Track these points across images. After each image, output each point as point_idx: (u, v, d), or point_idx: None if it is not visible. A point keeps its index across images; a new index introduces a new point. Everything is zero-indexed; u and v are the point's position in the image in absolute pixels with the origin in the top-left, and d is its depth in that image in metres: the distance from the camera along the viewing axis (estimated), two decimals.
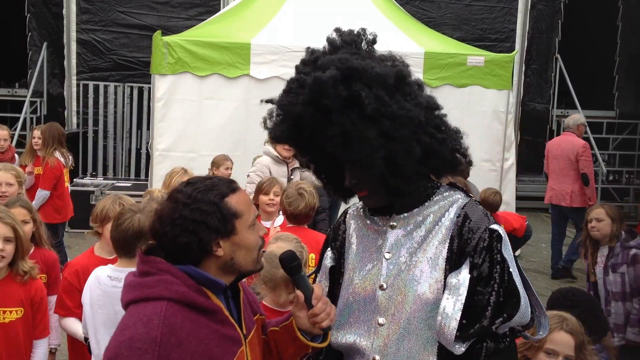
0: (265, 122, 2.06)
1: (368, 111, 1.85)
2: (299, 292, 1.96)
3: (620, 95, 12.96)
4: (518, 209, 8.76)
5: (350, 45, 2.01)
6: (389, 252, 2.04)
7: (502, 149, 8.45)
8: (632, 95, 12.77)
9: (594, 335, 3.14)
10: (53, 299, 3.52)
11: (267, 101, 2.07)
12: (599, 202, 5.27)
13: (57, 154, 6.77)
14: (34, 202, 6.29)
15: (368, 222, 2.13)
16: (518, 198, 9.79)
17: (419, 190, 2.04)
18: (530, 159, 12.50)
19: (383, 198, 2.03)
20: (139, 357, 1.66)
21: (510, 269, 1.92)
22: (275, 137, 2.04)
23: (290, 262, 1.98)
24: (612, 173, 12.86)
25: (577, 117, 8.56)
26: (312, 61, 1.98)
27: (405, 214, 2.04)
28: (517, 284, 1.91)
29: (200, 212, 1.76)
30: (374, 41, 2.05)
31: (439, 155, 1.98)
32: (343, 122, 1.86)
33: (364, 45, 2.03)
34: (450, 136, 2.03)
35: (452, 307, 1.89)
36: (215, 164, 6.64)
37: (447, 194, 2.07)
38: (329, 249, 2.24)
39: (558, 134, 12.57)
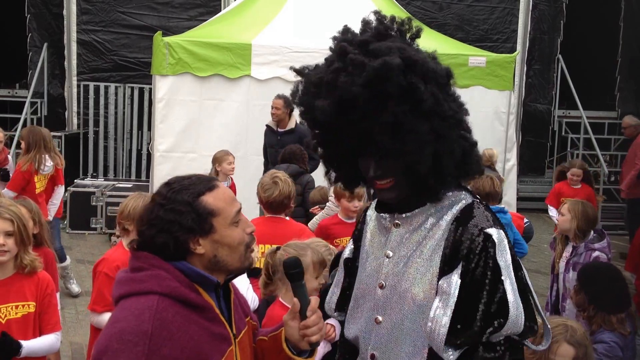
0: (294, 96, 2.00)
1: (425, 107, 1.82)
2: (295, 300, 1.94)
3: (621, 96, 12.93)
4: (519, 210, 8.74)
5: (401, 36, 1.98)
6: (390, 251, 2.04)
7: (503, 150, 8.44)
8: (634, 95, 12.74)
9: (621, 307, 3.52)
10: None
11: (296, 72, 2.01)
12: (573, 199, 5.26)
13: (44, 158, 6.32)
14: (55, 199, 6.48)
15: (380, 218, 2.11)
16: (519, 199, 9.78)
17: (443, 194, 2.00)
18: (531, 159, 12.48)
19: (405, 190, 1.98)
20: (130, 349, 1.65)
21: (502, 277, 1.87)
22: (319, 111, 1.87)
23: (292, 267, 1.97)
24: (614, 174, 12.82)
25: None
26: (359, 43, 1.90)
27: (408, 214, 2.01)
28: (507, 293, 1.86)
29: (174, 212, 1.77)
30: (417, 34, 2.01)
31: (471, 159, 1.98)
32: (397, 112, 1.82)
33: (408, 37, 2.00)
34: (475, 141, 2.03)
35: (442, 313, 1.87)
36: (216, 160, 6.61)
37: (451, 193, 2.01)
38: (351, 240, 2.27)
39: (560, 135, 12.60)
